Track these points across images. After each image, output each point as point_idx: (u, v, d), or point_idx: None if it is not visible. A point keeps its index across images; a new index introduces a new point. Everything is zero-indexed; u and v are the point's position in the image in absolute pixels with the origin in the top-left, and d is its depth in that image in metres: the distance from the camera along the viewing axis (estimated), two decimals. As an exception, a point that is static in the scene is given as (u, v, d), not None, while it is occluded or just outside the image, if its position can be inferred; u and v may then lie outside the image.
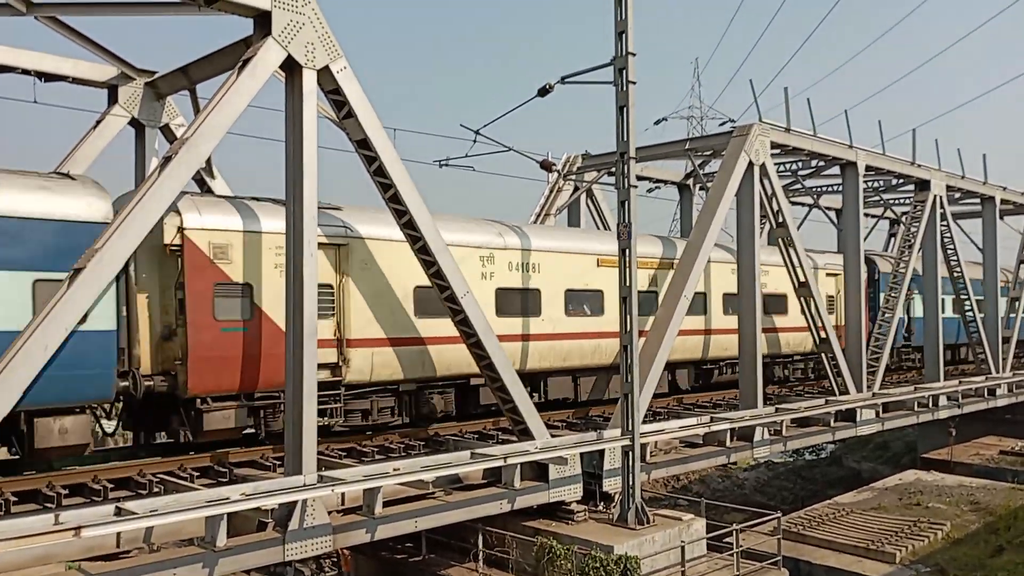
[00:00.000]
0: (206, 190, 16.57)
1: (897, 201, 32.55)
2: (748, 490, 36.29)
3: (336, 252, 14.82)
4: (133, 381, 12.51)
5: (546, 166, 24.51)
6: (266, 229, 13.84)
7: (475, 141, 20.60)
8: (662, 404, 21.22)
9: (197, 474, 13.18)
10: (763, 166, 20.21)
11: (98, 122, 16.16)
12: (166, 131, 16.85)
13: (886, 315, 25.62)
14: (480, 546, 15.16)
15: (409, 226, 13.66)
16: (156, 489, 12.15)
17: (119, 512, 9.77)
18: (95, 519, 9.57)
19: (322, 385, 13.20)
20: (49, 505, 11.34)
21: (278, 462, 13.57)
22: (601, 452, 15.72)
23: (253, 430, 14.16)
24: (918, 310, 31.09)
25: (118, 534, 10.42)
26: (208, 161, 16.43)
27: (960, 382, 28.00)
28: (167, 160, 11.05)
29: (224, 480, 12.97)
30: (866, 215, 29.99)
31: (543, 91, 17.64)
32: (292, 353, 11.89)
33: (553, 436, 15.54)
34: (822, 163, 24.47)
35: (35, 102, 15.44)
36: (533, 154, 23.23)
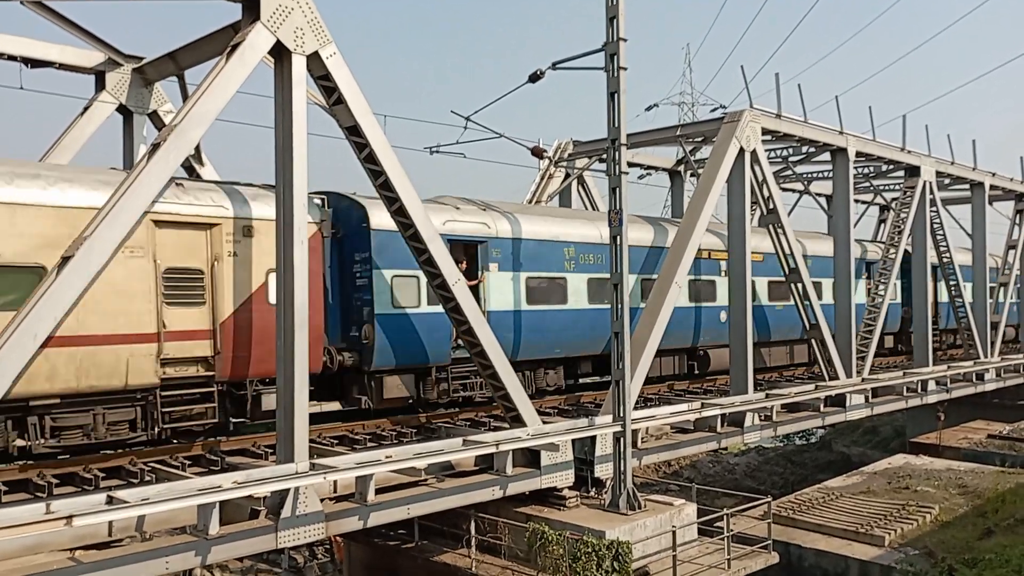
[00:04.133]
0: (195, 177, 16.47)
1: (887, 187, 32.63)
2: (739, 475, 36.54)
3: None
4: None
5: (537, 153, 24.45)
6: None
7: (466, 128, 20.51)
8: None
9: (189, 462, 13.16)
10: (754, 152, 20.19)
11: (85, 109, 16.01)
12: (154, 117, 16.71)
13: (876, 301, 25.76)
14: (472, 532, 15.20)
15: (400, 213, 13.61)
16: (148, 478, 12.11)
17: (111, 501, 9.74)
18: (87, 508, 9.53)
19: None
20: (40, 494, 11.31)
21: (270, 450, 13.57)
22: (593, 438, 15.78)
23: None
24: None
25: (110, 523, 10.39)
26: (197, 148, 16.33)
27: (949, 367, 28.19)
28: (155, 147, 10.95)
29: (216, 468, 12.94)
30: (856, 201, 30.09)
31: (534, 77, 17.55)
32: (283, 341, 11.87)
33: (545, 423, 15.58)
34: (813, 149, 24.47)
35: (21, 88, 15.30)
36: (524, 141, 23.17)
